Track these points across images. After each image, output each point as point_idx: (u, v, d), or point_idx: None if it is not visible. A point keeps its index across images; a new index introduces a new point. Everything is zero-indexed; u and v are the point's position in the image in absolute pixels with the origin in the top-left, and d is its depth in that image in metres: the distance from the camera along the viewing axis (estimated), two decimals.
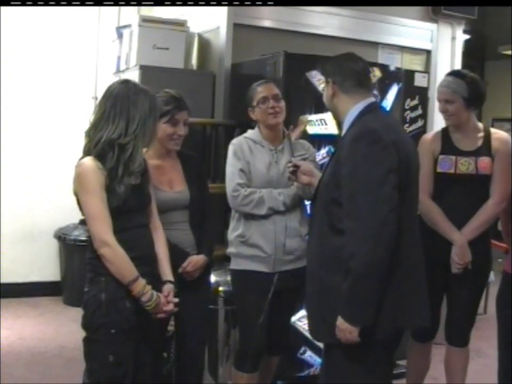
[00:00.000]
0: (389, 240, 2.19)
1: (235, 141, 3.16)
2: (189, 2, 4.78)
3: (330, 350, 2.42)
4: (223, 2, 4.38)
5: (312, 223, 2.53)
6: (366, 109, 2.40)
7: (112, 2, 5.58)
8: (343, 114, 2.45)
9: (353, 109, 2.41)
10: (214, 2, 4.49)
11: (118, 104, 2.42)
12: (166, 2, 5.13)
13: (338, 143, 2.48)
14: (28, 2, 5.36)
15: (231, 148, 3.12)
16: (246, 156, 3.07)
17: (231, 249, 3.13)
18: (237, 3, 4.33)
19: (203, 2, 4.63)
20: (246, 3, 4.34)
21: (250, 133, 3.18)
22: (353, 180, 2.24)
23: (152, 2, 5.46)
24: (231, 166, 3.07)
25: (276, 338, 3.19)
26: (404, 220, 2.28)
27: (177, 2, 4.94)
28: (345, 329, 2.24)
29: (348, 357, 2.33)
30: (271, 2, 4.41)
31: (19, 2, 5.34)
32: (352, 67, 2.45)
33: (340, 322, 2.25)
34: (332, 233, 2.33)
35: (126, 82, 2.53)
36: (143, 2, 5.56)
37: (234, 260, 3.12)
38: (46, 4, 5.40)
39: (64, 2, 5.45)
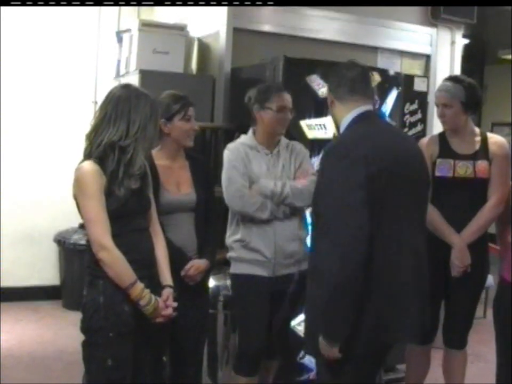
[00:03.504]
0: (357, 259, 2.12)
1: (231, 146, 3.15)
2: (189, 2, 4.77)
3: (318, 361, 2.42)
4: (223, 2, 4.37)
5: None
6: (358, 117, 2.35)
7: (112, 2, 5.56)
8: (339, 122, 2.42)
9: (347, 117, 2.37)
10: (214, 2, 4.48)
11: (119, 107, 2.42)
12: (166, 2, 5.12)
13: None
14: (28, 2, 5.34)
15: (227, 153, 3.10)
16: (243, 161, 3.06)
17: (231, 254, 3.12)
18: (237, 3, 4.32)
19: (203, 2, 4.61)
20: (246, 3, 4.33)
21: (244, 138, 3.16)
22: (323, 196, 2.21)
23: (152, 2, 5.46)
24: (233, 169, 3.05)
25: (275, 342, 3.19)
26: (385, 230, 2.21)
27: (177, 2, 4.94)
28: (325, 347, 2.22)
29: (332, 369, 2.31)
30: (271, 2, 4.40)
31: (19, 2, 5.32)
32: (345, 74, 2.40)
33: (321, 339, 2.23)
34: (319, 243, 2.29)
35: (127, 86, 2.54)
36: (143, 2, 5.55)
37: (235, 264, 3.12)
38: (46, 4, 5.38)
39: (64, 2, 5.43)
